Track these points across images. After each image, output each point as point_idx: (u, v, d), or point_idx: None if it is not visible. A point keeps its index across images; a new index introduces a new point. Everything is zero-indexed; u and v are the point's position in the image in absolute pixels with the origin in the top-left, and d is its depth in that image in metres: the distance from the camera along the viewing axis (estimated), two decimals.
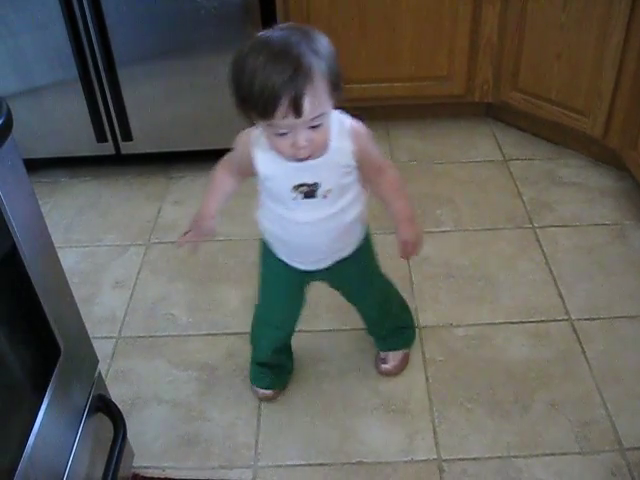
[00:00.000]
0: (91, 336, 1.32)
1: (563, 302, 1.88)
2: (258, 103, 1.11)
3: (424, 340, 1.79)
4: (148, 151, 2.44)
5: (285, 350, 1.70)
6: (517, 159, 2.46)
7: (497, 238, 2.11)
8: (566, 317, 1.84)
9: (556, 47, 2.25)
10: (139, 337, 1.86)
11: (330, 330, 1.84)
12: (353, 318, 1.86)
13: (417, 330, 1.82)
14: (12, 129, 0.96)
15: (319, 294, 1.94)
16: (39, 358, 1.11)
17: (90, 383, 1.27)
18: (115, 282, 2.04)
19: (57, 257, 1.16)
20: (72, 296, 1.22)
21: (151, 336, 1.86)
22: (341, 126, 1.26)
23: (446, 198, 2.28)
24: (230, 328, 1.87)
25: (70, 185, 2.48)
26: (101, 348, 1.77)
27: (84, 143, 2.40)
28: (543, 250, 2.05)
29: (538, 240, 2.09)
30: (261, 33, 1.16)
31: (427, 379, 1.69)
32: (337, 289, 1.61)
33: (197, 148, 2.45)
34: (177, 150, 2.46)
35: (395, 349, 1.72)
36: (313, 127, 1.16)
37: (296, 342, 1.80)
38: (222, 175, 1.48)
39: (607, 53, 2.10)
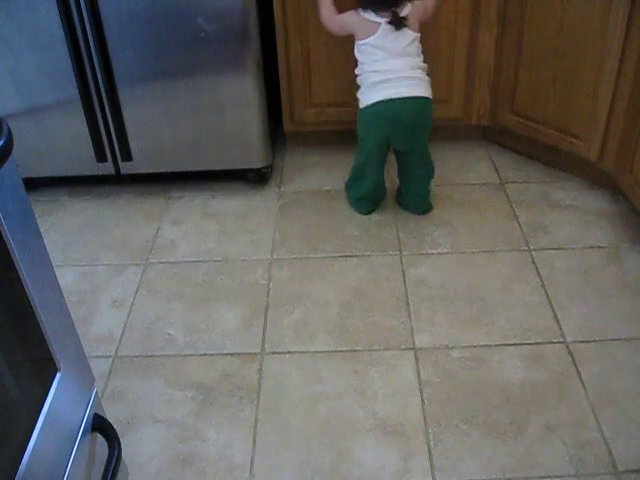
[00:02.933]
0: (88, 355, 1.32)
1: (558, 324, 1.89)
2: None
3: (420, 362, 1.80)
4: (147, 171, 2.46)
5: None
6: (513, 182, 2.48)
7: (493, 260, 2.12)
8: (561, 339, 1.84)
9: (552, 71, 2.27)
10: (136, 356, 1.86)
11: (326, 351, 1.84)
12: (349, 339, 1.87)
13: (413, 351, 1.83)
14: (12, 150, 0.97)
15: (315, 314, 1.95)
16: (35, 376, 1.12)
17: (86, 402, 1.27)
18: (113, 301, 2.05)
19: (55, 276, 1.16)
20: (69, 315, 1.22)
21: (148, 356, 1.86)
22: None
23: (443, 220, 2.30)
24: (227, 348, 1.87)
25: (70, 204, 2.49)
26: (98, 367, 1.78)
27: (84, 163, 2.42)
28: (539, 272, 2.06)
29: (534, 262, 2.10)
30: None
31: (423, 401, 1.70)
32: None
33: (196, 169, 2.46)
34: (176, 170, 2.47)
35: None
36: None
37: (292, 362, 1.81)
38: None
39: (602, 78, 2.13)
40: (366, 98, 2.13)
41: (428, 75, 2.18)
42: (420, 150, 2.23)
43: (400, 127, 2.12)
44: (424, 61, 2.18)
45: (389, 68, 2.09)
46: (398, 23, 2.07)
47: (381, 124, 2.13)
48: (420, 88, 2.11)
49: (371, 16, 2.09)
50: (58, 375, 1.14)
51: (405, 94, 2.08)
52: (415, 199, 2.33)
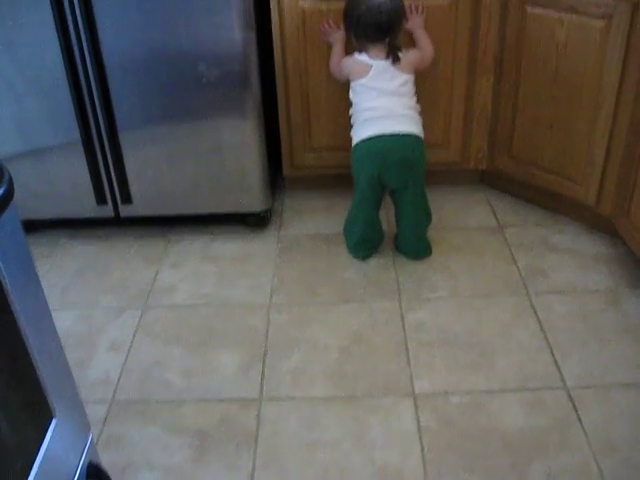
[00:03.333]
0: (85, 400, 1.32)
1: (558, 369, 1.88)
2: None
3: (419, 408, 1.78)
4: (147, 214, 2.47)
5: None
6: (512, 226, 2.49)
7: (492, 305, 2.12)
8: (561, 385, 1.83)
9: (548, 117, 2.30)
10: (133, 401, 1.85)
11: (325, 397, 1.83)
12: (348, 384, 1.86)
13: (412, 397, 1.81)
14: (13, 197, 0.98)
15: (314, 360, 1.94)
16: (30, 423, 1.11)
17: (81, 449, 1.26)
18: (110, 345, 2.04)
19: (52, 321, 1.16)
20: (66, 361, 1.22)
21: (145, 400, 1.85)
22: None
23: (442, 264, 2.30)
24: (225, 393, 1.86)
25: (69, 246, 2.49)
26: (94, 412, 1.77)
27: (84, 205, 2.43)
28: (538, 317, 2.06)
29: (533, 307, 2.10)
30: None
31: (422, 448, 1.68)
32: None
33: (196, 212, 2.48)
34: (176, 214, 2.48)
35: None
36: None
37: (290, 408, 1.79)
38: None
39: (598, 123, 2.16)
40: (358, 135, 2.21)
41: (420, 115, 2.23)
42: (416, 192, 2.25)
43: (390, 163, 2.16)
44: (418, 102, 2.24)
45: (381, 106, 2.18)
46: (395, 53, 2.17)
47: (372, 159, 2.18)
48: (411, 126, 2.18)
49: (364, 58, 2.20)
50: (54, 422, 1.14)
51: (395, 131, 2.15)
52: (412, 243, 2.34)
